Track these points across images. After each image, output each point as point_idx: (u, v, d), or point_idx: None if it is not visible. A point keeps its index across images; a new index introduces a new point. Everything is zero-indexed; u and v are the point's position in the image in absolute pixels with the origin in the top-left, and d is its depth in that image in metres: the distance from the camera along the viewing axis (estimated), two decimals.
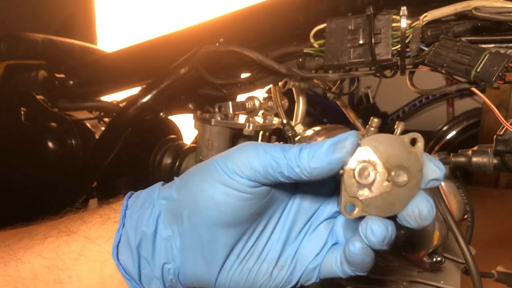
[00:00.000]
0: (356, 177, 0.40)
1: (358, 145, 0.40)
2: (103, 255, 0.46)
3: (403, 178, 0.39)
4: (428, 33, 0.63)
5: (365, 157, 0.40)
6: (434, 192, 0.58)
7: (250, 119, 0.89)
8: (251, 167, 0.42)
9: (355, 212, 0.40)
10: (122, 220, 0.47)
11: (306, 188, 0.47)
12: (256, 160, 0.42)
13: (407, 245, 0.58)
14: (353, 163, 0.40)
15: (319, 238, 0.48)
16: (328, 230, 0.48)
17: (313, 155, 0.40)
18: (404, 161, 0.40)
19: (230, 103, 0.87)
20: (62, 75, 1.12)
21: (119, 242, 0.46)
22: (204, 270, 0.46)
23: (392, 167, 0.40)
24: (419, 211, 0.40)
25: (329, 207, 0.48)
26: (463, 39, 0.59)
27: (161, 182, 0.50)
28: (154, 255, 0.46)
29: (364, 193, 0.40)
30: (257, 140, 0.97)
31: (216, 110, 0.88)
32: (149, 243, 0.46)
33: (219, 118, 0.88)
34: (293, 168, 0.40)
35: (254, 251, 0.47)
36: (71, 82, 1.12)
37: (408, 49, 0.62)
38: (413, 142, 0.40)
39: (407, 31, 0.61)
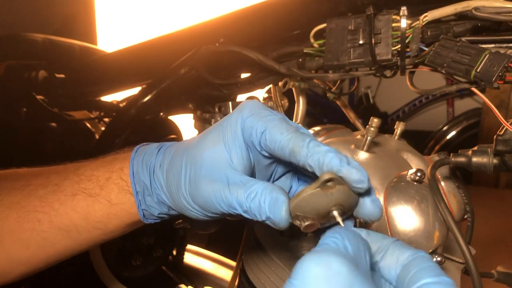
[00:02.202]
0: (302, 230, 0.44)
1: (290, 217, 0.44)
2: (129, 214, 0.56)
3: (337, 215, 0.43)
4: (428, 33, 0.63)
5: (299, 221, 0.44)
6: (435, 192, 0.59)
7: None
8: (211, 211, 0.50)
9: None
10: (137, 198, 0.55)
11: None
12: (214, 207, 0.48)
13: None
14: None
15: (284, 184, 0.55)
16: (289, 179, 0.55)
17: (261, 218, 0.45)
18: (329, 207, 0.43)
19: (230, 103, 0.87)
20: (62, 75, 1.12)
21: (143, 214, 0.56)
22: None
23: (324, 213, 0.43)
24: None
25: (282, 166, 0.54)
26: (463, 39, 0.59)
27: (157, 148, 0.56)
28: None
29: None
30: None
31: (216, 110, 0.88)
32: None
33: (219, 118, 0.88)
34: (306, 158, 0.44)
35: None
36: (71, 82, 1.12)
37: (408, 49, 0.62)
38: (328, 181, 0.42)
39: (407, 31, 0.61)
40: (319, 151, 0.43)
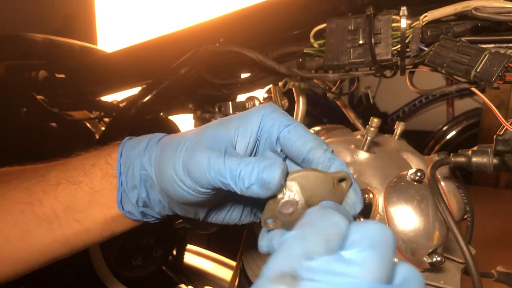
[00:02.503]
0: (279, 207, 0.44)
1: (284, 183, 0.44)
2: (109, 202, 0.55)
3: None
4: (428, 33, 0.63)
5: (290, 192, 0.44)
6: (434, 192, 0.59)
7: None
8: (203, 181, 0.47)
9: (271, 225, 0.45)
10: (119, 179, 0.54)
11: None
12: (206, 176, 0.47)
13: (406, 244, 0.58)
14: (279, 194, 0.44)
15: None
16: None
17: (247, 186, 0.45)
18: (326, 199, 0.44)
19: (230, 103, 0.87)
20: (62, 75, 1.12)
21: (121, 198, 0.54)
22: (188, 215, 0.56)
23: (313, 203, 0.43)
24: None
25: None
26: (463, 39, 0.59)
27: (146, 143, 0.56)
28: (150, 201, 0.54)
29: (283, 217, 0.44)
30: None
31: (216, 110, 0.88)
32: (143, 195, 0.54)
33: (219, 118, 0.88)
34: (235, 189, 0.46)
35: (225, 208, 0.57)
36: (71, 82, 1.12)
37: (408, 49, 0.62)
38: (342, 180, 0.44)
39: (407, 31, 0.61)
40: (336, 159, 0.47)
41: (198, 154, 0.47)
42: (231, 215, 0.58)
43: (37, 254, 0.58)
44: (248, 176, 0.44)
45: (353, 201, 0.46)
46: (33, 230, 0.56)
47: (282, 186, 0.43)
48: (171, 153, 0.50)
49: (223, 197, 0.54)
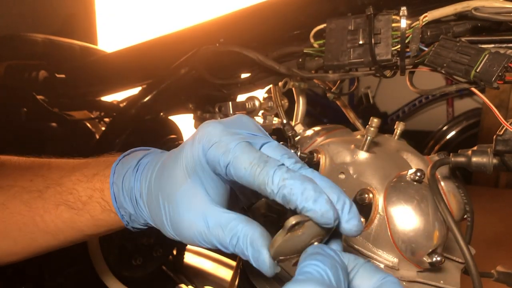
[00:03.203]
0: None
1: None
2: (116, 224, 0.57)
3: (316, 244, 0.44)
4: (428, 33, 0.63)
5: (283, 260, 0.44)
6: (434, 192, 0.59)
7: None
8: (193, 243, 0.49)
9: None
10: (123, 219, 0.56)
11: None
12: (196, 243, 0.49)
13: (406, 244, 0.58)
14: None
15: None
16: None
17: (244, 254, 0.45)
18: (306, 242, 0.43)
19: (230, 103, 0.87)
20: (63, 75, 1.12)
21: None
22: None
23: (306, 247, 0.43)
24: None
25: None
26: (463, 39, 0.59)
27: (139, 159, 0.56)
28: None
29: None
30: None
31: (216, 110, 0.88)
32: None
33: (219, 118, 0.88)
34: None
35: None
36: (71, 82, 1.12)
37: (408, 49, 0.62)
38: (295, 225, 0.42)
39: (407, 31, 0.61)
40: (284, 187, 0.41)
41: (185, 232, 0.48)
42: None
43: (46, 250, 0.62)
44: (244, 256, 0.45)
45: (347, 231, 0.43)
46: (39, 237, 0.59)
47: (276, 270, 0.44)
48: (160, 221, 0.51)
49: None
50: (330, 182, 0.44)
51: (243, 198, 0.56)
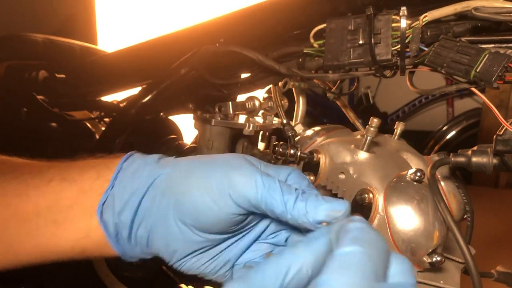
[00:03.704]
0: None
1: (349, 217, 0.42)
2: (92, 208, 0.51)
3: None
4: (428, 33, 0.63)
5: None
6: (434, 192, 0.59)
7: (250, 119, 0.89)
8: (246, 197, 0.45)
9: None
10: (112, 181, 0.51)
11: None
12: (254, 192, 0.45)
13: (406, 244, 0.58)
14: None
15: (255, 253, 0.55)
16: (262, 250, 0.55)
17: (305, 213, 0.43)
18: None
19: (230, 103, 0.87)
20: (63, 75, 1.12)
21: (105, 201, 0.51)
22: (165, 252, 0.52)
23: None
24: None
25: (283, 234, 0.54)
26: (463, 39, 0.60)
27: (159, 156, 0.53)
28: (132, 224, 0.50)
29: None
30: (257, 140, 0.97)
31: (216, 110, 0.88)
32: (130, 213, 0.50)
33: (219, 118, 0.88)
34: (285, 214, 0.44)
35: (212, 251, 0.52)
36: (71, 82, 1.12)
37: (408, 49, 0.62)
38: None
39: (407, 31, 0.61)
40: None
41: (249, 170, 0.47)
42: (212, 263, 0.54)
43: (11, 254, 0.55)
44: (312, 204, 0.44)
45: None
46: (12, 225, 0.53)
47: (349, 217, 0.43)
48: (207, 165, 0.49)
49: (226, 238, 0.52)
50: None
51: None
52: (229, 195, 0.46)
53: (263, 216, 0.52)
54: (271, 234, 0.56)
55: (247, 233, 0.54)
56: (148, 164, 0.52)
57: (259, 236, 0.55)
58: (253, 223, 0.54)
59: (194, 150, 1.00)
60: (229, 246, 0.53)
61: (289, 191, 0.45)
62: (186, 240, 0.50)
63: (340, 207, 0.44)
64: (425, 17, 0.61)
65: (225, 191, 0.46)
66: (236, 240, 0.54)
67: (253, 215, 0.50)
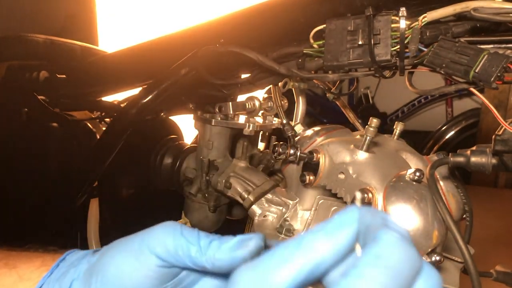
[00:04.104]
0: None
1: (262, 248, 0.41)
2: None
3: None
4: (427, 34, 0.63)
5: None
6: (433, 192, 0.59)
7: (250, 119, 0.90)
8: (163, 245, 0.44)
9: None
10: (52, 269, 0.50)
11: (211, 278, 0.49)
12: (171, 239, 0.44)
13: None
14: None
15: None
16: None
17: (219, 247, 0.41)
18: None
19: (230, 103, 0.88)
20: (63, 76, 1.12)
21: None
22: None
23: None
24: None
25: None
26: (462, 39, 0.60)
27: (95, 249, 0.52)
28: None
29: None
30: (257, 140, 0.97)
31: (217, 110, 0.89)
32: None
33: (219, 118, 0.88)
34: (200, 256, 0.42)
35: None
36: (72, 83, 1.12)
37: (407, 50, 0.62)
38: None
39: (406, 32, 0.62)
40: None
41: (167, 225, 0.45)
42: None
43: None
44: (224, 240, 0.42)
45: None
46: None
47: (261, 247, 0.42)
48: (126, 238, 0.48)
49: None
50: None
51: None
52: (147, 247, 0.44)
53: (200, 276, 0.49)
54: None
55: None
56: (86, 254, 0.51)
57: None
58: (189, 282, 0.49)
59: (194, 150, 1.01)
60: None
61: (205, 236, 0.44)
62: None
63: (250, 237, 0.41)
64: (424, 17, 0.61)
65: (144, 245, 0.45)
66: None
67: (186, 271, 0.47)
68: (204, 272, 0.46)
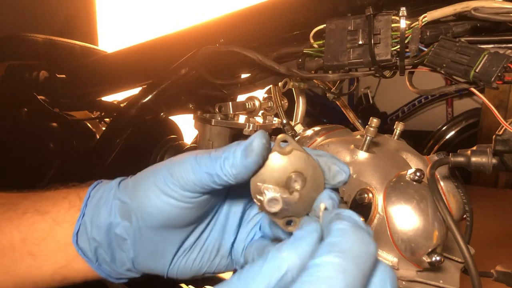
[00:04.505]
0: (266, 208, 0.42)
1: (267, 147, 0.42)
2: (67, 238, 0.52)
3: (297, 185, 0.42)
4: (428, 34, 0.63)
5: (259, 191, 0.43)
6: (434, 192, 0.59)
7: (250, 119, 0.90)
8: (190, 181, 0.45)
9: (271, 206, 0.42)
10: (82, 210, 0.52)
11: (237, 189, 0.51)
12: (192, 174, 0.45)
13: (406, 244, 0.58)
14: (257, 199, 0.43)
15: (249, 231, 0.55)
16: (256, 224, 0.55)
17: (232, 163, 0.43)
18: (287, 172, 0.42)
19: (230, 103, 0.88)
20: (63, 76, 1.12)
21: (78, 230, 0.52)
22: (154, 263, 0.53)
23: (286, 183, 0.42)
24: (324, 205, 0.42)
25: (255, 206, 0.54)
26: (462, 39, 0.60)
27: (119, 179, 0.54)
28: (109, 246, 0.51)
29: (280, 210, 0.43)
30: None
31: (217, 110, 0.89)
32: (105, 237, 0.51)
33: (219, 118, 0.88)
34: (222, 177, 0.44)
35: (198, 244, 0.53)
36: (72, 83, 1.12)
37: (407, 50, 0.62)
38: (284, 141, 0.42)
39: (406, 32, 0.61)
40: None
41: (185, 156, 0.47)
42: (205, 251, 0.54)
43: None
44: (232, 154, 0.43)
45: (334, 174, 0.43)
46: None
47: (264, 145, 0.42)
48: (151, 170, 0.49)
49: (202, 215, 0.51)
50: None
51: None
52: (177, 186, 0.46)
53: (225, 194, 0.52)
54: (242, 214, 0.55)
55: (217, 218, 0.54)
56: (111, 188, 0.53)
57: (242, 216, 0.55)
58: (217, 207, 0.53)
59: (194, 150, 1.00)
60: (211, 232, 0.54)
61: (216, 157, 0.44)
62: (167, 241, 0.51)
63: (251, 140, 0.42)
64: (424, 17, 0.61)
65: (169, 183, 0.46)
66: (217, 224, 0.54)
67: (214, 196, 0.50)
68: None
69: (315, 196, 0.43)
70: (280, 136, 0.42)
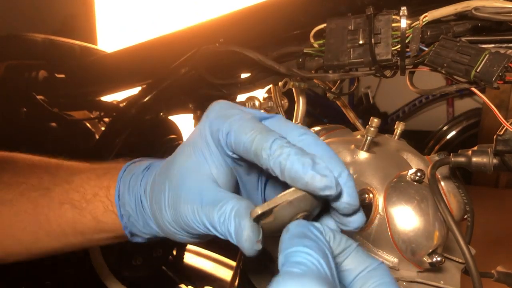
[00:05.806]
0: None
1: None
2: (116, 231, 0.57)
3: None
4: (428, 33, 0.63)
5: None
6: (435, 192, 0.59)
7: None
8: (192, 231, 0.48)
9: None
10: (122, 220, 0.55)
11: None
12: (194, 227, 0.46)
13: (406, 244, 0.58)
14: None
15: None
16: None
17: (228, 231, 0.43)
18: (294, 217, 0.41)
19: None
20: (62, 75, 1.12)
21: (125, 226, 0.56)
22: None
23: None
24: None
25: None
26: (463, 39, 0.59)
27: (139, 182, 0.56)
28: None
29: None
30: None
31: None
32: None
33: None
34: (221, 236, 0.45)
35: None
36: (71, 82, 1.12)
37: (408, 49, 0.62)
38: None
39: (407, 31, 0.61)
40: (280, 154, 0.39)
41: (181, 210, 0.46)
42: None
43: (49, 252, 0.62)
44: (231, 239, 0.43)
45: (347, 220, 0.42)
46: (42, 238, 0.59)
47: (256, 249, 0.41)
48: (160, 209, 0.49)
49: None
50: (331, 152, 0.42)
51: (243, 191, 0.54)
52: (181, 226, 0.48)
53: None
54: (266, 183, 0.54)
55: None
56: (147, 160, 0.58)
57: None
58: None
59: None
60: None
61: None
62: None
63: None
64: (425, 17, 0.61)
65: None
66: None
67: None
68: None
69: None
70: (252, 213, 0.41)
